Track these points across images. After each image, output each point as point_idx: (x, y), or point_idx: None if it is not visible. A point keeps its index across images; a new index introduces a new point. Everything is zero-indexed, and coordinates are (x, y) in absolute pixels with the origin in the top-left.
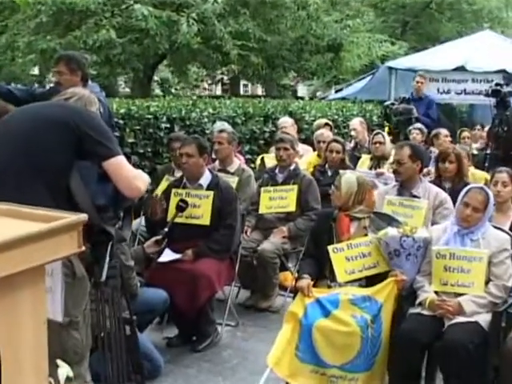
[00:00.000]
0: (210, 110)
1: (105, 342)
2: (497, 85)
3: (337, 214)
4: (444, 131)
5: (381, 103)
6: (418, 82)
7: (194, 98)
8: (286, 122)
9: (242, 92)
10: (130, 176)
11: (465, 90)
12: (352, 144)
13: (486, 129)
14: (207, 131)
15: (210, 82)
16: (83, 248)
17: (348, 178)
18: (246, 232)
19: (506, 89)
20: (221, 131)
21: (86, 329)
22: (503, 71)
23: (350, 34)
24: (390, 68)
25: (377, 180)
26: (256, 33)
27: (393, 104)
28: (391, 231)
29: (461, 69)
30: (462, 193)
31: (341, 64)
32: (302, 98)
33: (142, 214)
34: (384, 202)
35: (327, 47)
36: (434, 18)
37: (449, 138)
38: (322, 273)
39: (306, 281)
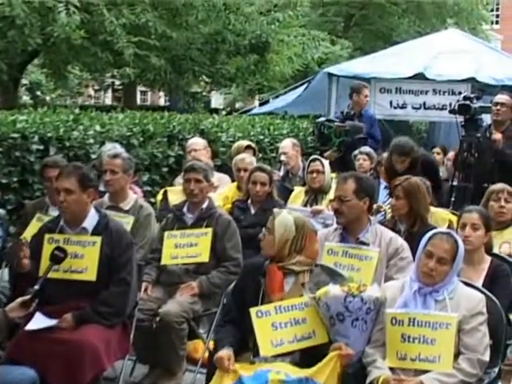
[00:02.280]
0: (98, 128)
1: None
2: (465, 98)
3: (267, 266)
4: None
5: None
6: (366, 96)
7: (76, 110)
8: (196, 144)
9: (138, 101)
10: None
11: (424, 104)
12: (282, 172)
13: (451, 154)
14: (93, 156)
15: (96, 87)
16: None
17: (283, 219)
18: (144, 289)
19: (476, 104)
20: (114, 156)
21: None
22: (472, 80)
23: (280, 30)
24: (330, 74)
25: (313, 220)
26: (158, 27)
27: (330, 121)
28: (333, 289)
29: (419, 77)
30: (424, 240)
31: (267, 68)
32: (216, 111)
33: (4, 265)
34: (323, 250)
35: (250, 47)
36: (385, 11)
37: None
38: (246, 344)
39: (226, 351)
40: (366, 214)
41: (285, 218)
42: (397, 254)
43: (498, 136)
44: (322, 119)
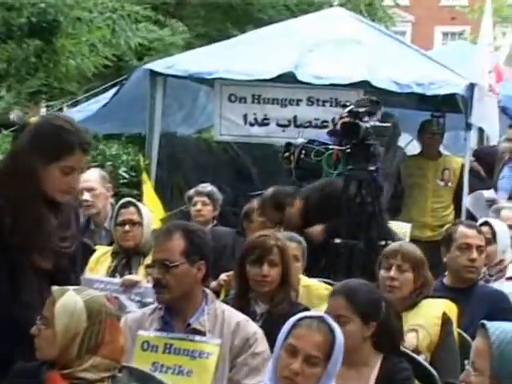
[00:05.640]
0: None
1: None
2: (351, 114)
3: (46, 374)
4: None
5: (135, 140)
6: None
7: None
8: None
9: None
10: None
11: (295, 120)
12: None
13: None
14: None
15: None
16: None
17: (68, 303)
18: None
19: (368, 122)
20: None
21: None
22: (365, 84)
23: (75, 3)
24: (154, 73)
25: (125, 296)
26: None
27: (314, 143)
28: None
29: (288, 78)
30: (285, 328)
31: (56, 61)
32: None
33: None
34: (135, 344)
35: (29, 28)
36: None
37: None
38: None
39: None
40: (200, 286)
41: (70, 301)
42: (247, 347)
43: None
44: (300, 141)
